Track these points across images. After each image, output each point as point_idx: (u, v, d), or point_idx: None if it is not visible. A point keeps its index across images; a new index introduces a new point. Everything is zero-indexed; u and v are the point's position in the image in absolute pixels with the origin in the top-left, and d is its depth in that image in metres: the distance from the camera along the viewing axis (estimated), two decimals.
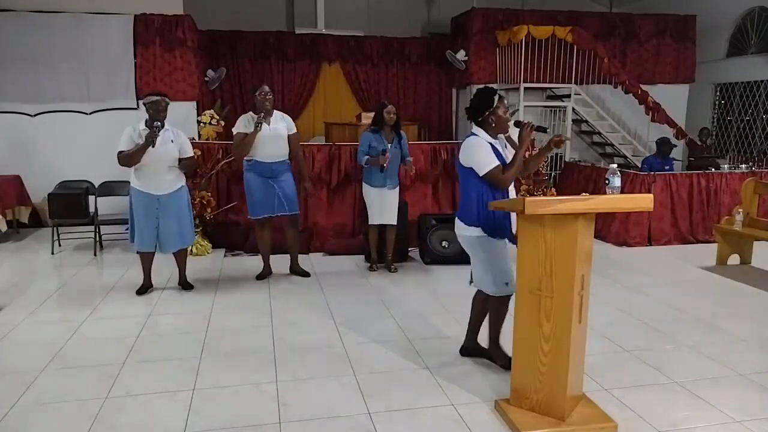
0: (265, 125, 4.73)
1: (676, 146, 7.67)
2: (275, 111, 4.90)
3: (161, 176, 4.40)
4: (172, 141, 4.43)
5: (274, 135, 4.79)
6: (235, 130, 4.80)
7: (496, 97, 3.12)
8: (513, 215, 3.09)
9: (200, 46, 8.27)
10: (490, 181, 3.07)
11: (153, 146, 4.23)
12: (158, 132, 4.27)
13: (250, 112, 4.81)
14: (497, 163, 3.06)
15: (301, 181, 5.14)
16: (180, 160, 4.50)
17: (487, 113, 3.12)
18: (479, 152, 3.08)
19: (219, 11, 9.75)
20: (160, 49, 7.44)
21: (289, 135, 4.90)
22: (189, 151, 4.58)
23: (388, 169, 5.10)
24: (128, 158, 4.30)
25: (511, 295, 3.17)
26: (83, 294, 4.73)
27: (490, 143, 3.11)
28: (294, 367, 3.39)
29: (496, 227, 3.10)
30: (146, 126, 4.28)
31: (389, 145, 5.10)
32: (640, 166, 7.94)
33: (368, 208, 5.29)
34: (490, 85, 3.43)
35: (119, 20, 7.31)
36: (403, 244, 5.74)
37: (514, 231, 3.09)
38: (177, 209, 4.51)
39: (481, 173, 3.06)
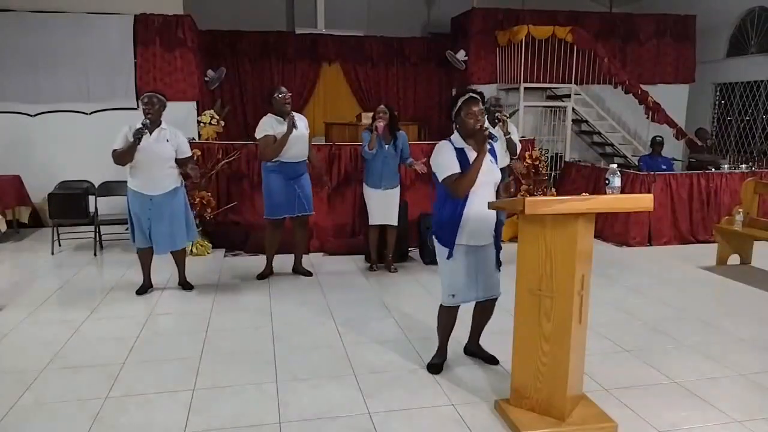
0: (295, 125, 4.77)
1: (663, 143, 7.65)
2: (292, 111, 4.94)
3: (154, 176, 4.37)
4: (167, 140, 4.40)
5: (299, 135, 4.81)
6: (261, 134, 4.76)
7: (461, 99, 3.04)
8: (464, 226, 3.02)
9: (200, 46, 8.27)
10: (447, 188, 3.03)
11: (139, 143, 4.20)
12: (145, 129, 4.24)
13: (271, 115, 4.79)
14: (454, 170, 2.99)
15: (319, 176, 5.26)
16: (177, 160, 4.49)
17: (453, 116, 3.10)
18: (440, 157, 3.06)
19: (219, 11, 9.74)
20: (160, 49, 7.44)
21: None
22: (186, 152, 4.54)
23: (386, 170, 5.12)
24: (119, 156, 4.30)
25: (456, 307, 3.20)
26: (83, 294, 4.73)
27: (461, 148, 3.04)
28: (294, 367, 3.39)
29: (443, 233, 3.09)
30: (140, 124, 4.27)
31: (387, 146, 5.10)
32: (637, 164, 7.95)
33: (368, 208, 5.30)
34: (475, 87, 3.33)
35: (119, 20, 7.30)
36: (403, 244, 5.74)
37: (457, 242, 3.05)
38: (170, 210, 4.48)
39: (440, 178, 3.05)
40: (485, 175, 3.02)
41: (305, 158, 4.98)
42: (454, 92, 3.22)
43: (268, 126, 4.76)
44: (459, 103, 3.05)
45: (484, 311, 3.34)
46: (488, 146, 3.03)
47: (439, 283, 4.97)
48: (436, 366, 3.33)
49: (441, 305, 3.24)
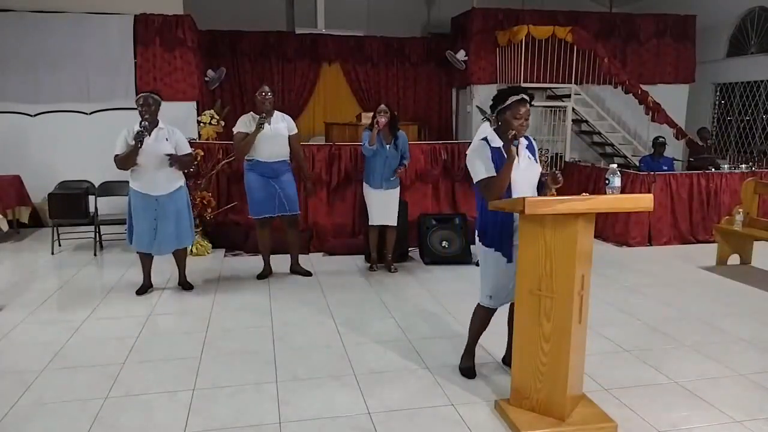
0: (266, 125, 4.73)
1: (666, 144, 7.65)
2: (276, 111, 4.91)
3: (157, 176, 4.37)
4: (166, 139, 4.40)
5: (275, 135, 4.79)
6: (235, 130, 4.81)
7: (513, 98, 2.90)
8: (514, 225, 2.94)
9: (200, 46, 8.27)
10: (480, 192, 2.95)
11: (141, 146, 4.20)
12: (146, 132, 4.24)
13: (251, 113, 4.82)
14: (490, 173, 2.90)
15: (303, 180, 5.16)
16: None
17: (497, 111, 2.97)
18: (476, 159, 2.96)
19: (219, 11, 9.75)
20: (160, 49, 7.44)
21: (289, 135, 4.91)
22: (185, 149, 4.53)
23: (387, 170, 5.12)
24: (122, 161, 4.30)
25: (493, 310, 3.16)
26: (83, 294, 4.73)
27: (497, 147, 2.94)
28: (294, 367, 3.39)
29: (494, 239, 2.98)
30: (139, 126, 4.26)
31: (387, 146, 5.10)
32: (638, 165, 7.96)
33: (368, 208, 5.30)
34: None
35: (119, 20, 7.31)
36: (403, 244, 5.74)
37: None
38: (175, 210, 4.49)
39: (475, 181, 2.97)
40: (526, 172, 2.95)
41: (285, 158, 4.92)
42: (504, 88, 3.06)
43: (242, 123, 4.79)
44: (509, 101, 2.90)
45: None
46: (523, 143, 2.97)
47: (440, 283, 4.98)
48: (468, 369, 3.26)
49: (478, 305, 3.18)
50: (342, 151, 6.32)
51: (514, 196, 2.89)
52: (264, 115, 4.72)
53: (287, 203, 4.94)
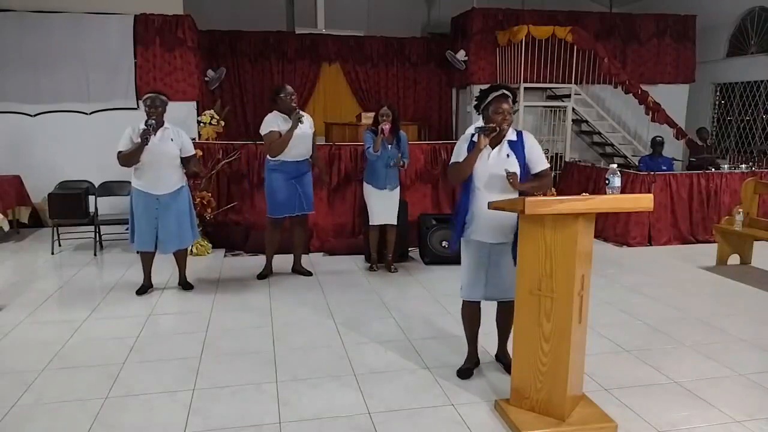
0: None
1: (664, 143, 7.65)
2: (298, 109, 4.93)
3: (160, 175, 4.38)
4: (171, 140, 4.41)
5: (303, 134, 4.80)
6: (266, 130, 4.73)
7: (493, 94, 3.00)
8: (473, 215, 3.02)
9: (200, 46, 8.27)
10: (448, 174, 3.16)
11: (147, 144, 4.21)
12: (152, 131, 4.25)
13: (275, 112, 4.79)
14: (458, 159, 3.06)
15: (321, 174, 5.26)
16: (181, 159, 4.50)
17: (482, 108, 3.08)
18: (457, 144, 3.14)
19: (219, 11, 9.75)
20: (160, 49, 7.44)
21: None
22: (190, 150, 4.56)
23: (389, 170, 5.12)
24: (126, 158, 4.30)
25: (474, 302, 3.20)
26: (83, 294, 4.73)
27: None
28: (294, 367, 3.39)
29: (455, 222, 3.18)
30: (145, 125, 4.28)
31: (389, 146, 5.10)
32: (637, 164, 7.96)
33: (369, 208, 5.29)
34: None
35: (119, 20, 7.31)
36: (403, 244, 5.74)
37: (468, 234, 3.05)
38: (177, 209, 4.50)
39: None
40: (495, 169, 2.97)
41: (308, 157, 4.98)
42: (486, 86, 3.16)
43: (273, 123, 4.75)
44: (490, 98, 3.01)
45: (501, 314, 3.28)
46: (505, 141, 3.02)
47: (440, 283, 4.98)
48: (464, 371, 3.27)
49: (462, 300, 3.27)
50: (342, 151, 6.32)
51: (475, 188, 3.02)
52: (299, 111, 4.73)
53: (305, 203, 4.98)
